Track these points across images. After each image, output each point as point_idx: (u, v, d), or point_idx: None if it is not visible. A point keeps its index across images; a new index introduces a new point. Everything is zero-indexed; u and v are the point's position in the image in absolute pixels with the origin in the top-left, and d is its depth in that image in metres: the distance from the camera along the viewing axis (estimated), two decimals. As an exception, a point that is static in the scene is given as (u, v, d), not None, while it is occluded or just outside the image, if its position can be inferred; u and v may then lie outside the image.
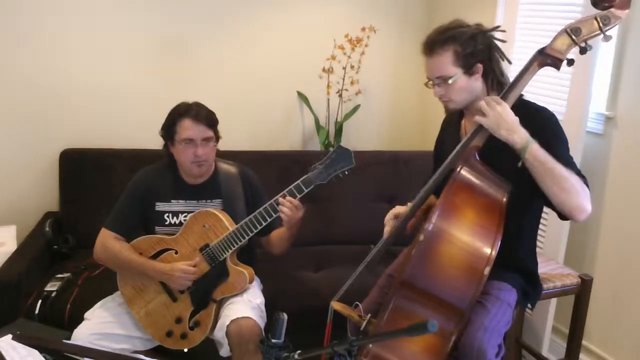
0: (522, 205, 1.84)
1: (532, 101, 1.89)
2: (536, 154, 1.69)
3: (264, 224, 2.09)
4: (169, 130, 2.17)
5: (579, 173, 1.76)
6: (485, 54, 1.83)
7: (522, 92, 1.86)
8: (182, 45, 3.13)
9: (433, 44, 1.81)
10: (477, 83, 1.85)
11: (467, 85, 1.84)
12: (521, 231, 1.93)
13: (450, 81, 1.81)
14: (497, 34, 1.86)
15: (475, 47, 1.80)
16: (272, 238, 2.30)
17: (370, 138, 3.56)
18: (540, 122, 1.80)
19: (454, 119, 2.04)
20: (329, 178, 2.05)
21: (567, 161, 1.76)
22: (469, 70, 1.82)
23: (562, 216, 1.79)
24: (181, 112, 2.15)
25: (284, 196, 2.06)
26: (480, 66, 1.83)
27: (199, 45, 3.15)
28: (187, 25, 3.11)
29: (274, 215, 2.08)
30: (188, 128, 2.12)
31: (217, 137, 2.21)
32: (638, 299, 2.36)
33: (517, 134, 1.70)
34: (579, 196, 1.72)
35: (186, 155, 2.14)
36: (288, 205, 2.05)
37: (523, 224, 1.92)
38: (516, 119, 1.72)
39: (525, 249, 1.98)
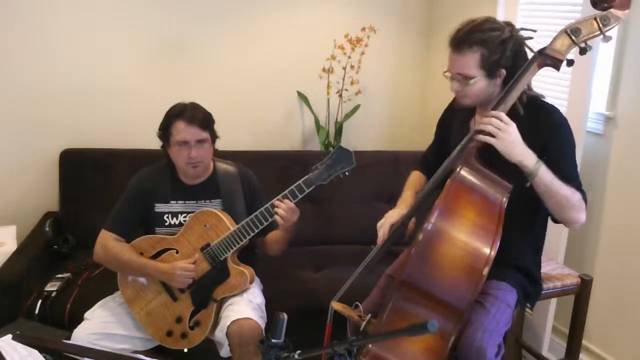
0: (528, 206, 1.84)
1: (546, 102, 1.88)
2: (544, 176, 1.71)
3: (265, 224, 2.10)
4: (164, 131, 2.17)
5: (579, 187, 1.78)
6: (510, 61, 1.79)
7: (542, 93, 1.88)
8: (182, 45, 3.13)
9: (461, 42, 1.77)
10: (495, 87, 1.83)
11: (485, 88, 1.82)
12: (527, 231, 1.93)
13: (471, 82, 1.79)
14: (527, 39, 1.82)
15: (503, 54, 1.77)
16: (268, 239, 2.30)
17: (370, 138, 3.56)
18: (551, 127, 1.80)
19: (465, 108, 2.00)
20: (329, 178, 2.05)
21: (571, 173, 1.78)
22: (491, 74, 1.80)
23: (555, 220, 1.84)
24: (175, 113, 2.14)
25: (284, 197, 2.06)
26: (503, 72, 1.80)
27: (199, 45, 3.15)
28: (187, 25, 3.11)
29: (272, 218, 2.08)
30: (182, 130, 2.12)
31: (214, 138, 2.20)
32: (638, 299, 2.37)
33: (529, 157, 1.71)
34: (576, 211, 1.77)
35: (181, 157, 2.14)
36: (283, 208, 2.05)
37: (529, 224, 1.92)
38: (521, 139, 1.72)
39: (531, 250, 1.98)
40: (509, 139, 1.70)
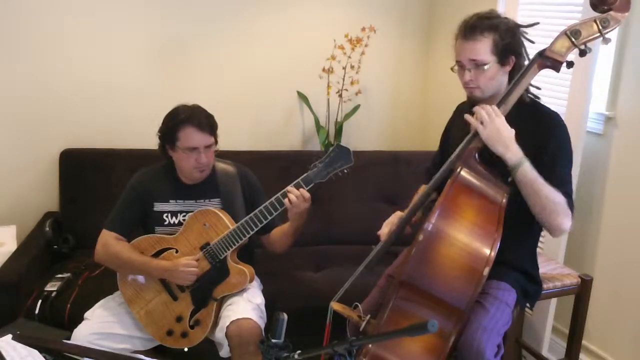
0: (526, 206, 1.84)
1: (545, 105, 1.89)
2: (526, 173, 1.72)
3: (264, 222, 2.10)
4: (170, 135, 2.15)
5: (567, 192, 1.77)
6: (518, 48, 1.83)
7: (539, 95, 1.89)
8: (182, 45, 3.13)
9: (473, 28, 1.79)
10: (505, 76, 1.85)
11: (497, 75, 1.83)
12: (525, 231, 1.93)
13: (485, 67, 1.80)
14: (527, 34, 1.85)
15: (512, 40, 1.80)
16: (273, 235, 2.30)
17: (370, 138, 3.56)
18: (548, 130, 1.81)
19: (466, 109, 1.99)
20: (328, 176, 2.06)
21: (562, 178, 1.78)
22: (502, 61, 1.81)
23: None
24: (183, 119, 2.12)
25: (296, 186, 2.06)
26: (513, 59, 1.83)
27: (199, 45, 3.15)
28: (187, 25, 3.11)
29: (279, 210, 2.08)
30: (192, 137, 2.11)
31: (217, 141, 2.20)
32: (638, 299, 2.37)
33: (511, 151, 1.72)
34: (558, 217, 1.76)
35: (188, 162, 2.14)
36: (295, 194, 2.04)
37: (527, 224, 1.92)
38: (512, 134, 1.73)
39: (528, 249, 1.98)
40: (494, 129, 1.72)
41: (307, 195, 2.06)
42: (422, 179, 2.19)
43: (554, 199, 1.73)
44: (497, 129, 1.72)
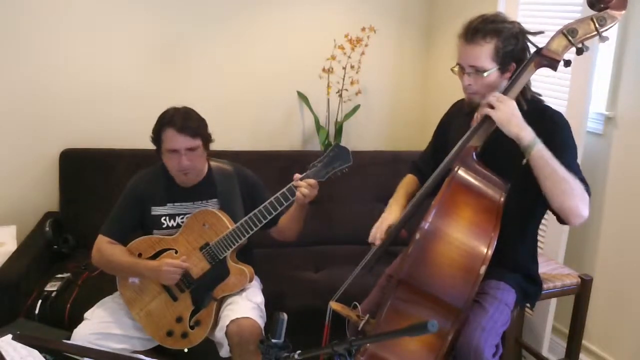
0: (525, 205, 1.84)
1: (548, 105, 1.88)
2: (542, 152, 1.69)
3: (268, 218, 2.10)
4: (156, 137, 2.16)
5: (582, 180, 1.75)
6: (520, 55, 1.80)
7: (541, 96, 1.88)
8: (183, 45, 3.13)
9: (476, 32, 1.77)
10: (504, 82, 1.83)
11: (497, 82, 1.82)
12: (524, 231, 1.93)
13: (485, 74, 1.78)
14: (532, 39, 1.82)
15: (515, 47, 1.78)
16: (281, 225, 2.28)
17: (370, 138, 3.56)
18: (552, 127, 1.80)
19: (464, 107, 1.99)
20: (327, 176, 2.06)
21: (572, 167, 1.75)
22: (503, 68, 1.80)
23: (560, 220, 1.79)
24: (166, 121, 2.12)
25: (302, 179, 2.07)
26: (514, 65, 1.80)
27: (199, 46, 3.15)
28: (187, 25, 3.11)
29: (279, 210, 2.08)
30: (171, 139, 2.10)
31: (206, 143, 2.18)
32: (638, 299, 2.36)
33: (525, 130, 1.70)
34: (577, 200, 1.71)
35: (172, 164, 2.14)
36: (304, 185, 2.05)
37: (526, 223, 1.92)
38: (521, 116, 1.72)
39: (527, 249, 1.98)
40: (506, 111, 1.71)
41: (313, 181, 2.05)
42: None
43: (571, 181, 1.70)
44: (509, 110, 1.71)
